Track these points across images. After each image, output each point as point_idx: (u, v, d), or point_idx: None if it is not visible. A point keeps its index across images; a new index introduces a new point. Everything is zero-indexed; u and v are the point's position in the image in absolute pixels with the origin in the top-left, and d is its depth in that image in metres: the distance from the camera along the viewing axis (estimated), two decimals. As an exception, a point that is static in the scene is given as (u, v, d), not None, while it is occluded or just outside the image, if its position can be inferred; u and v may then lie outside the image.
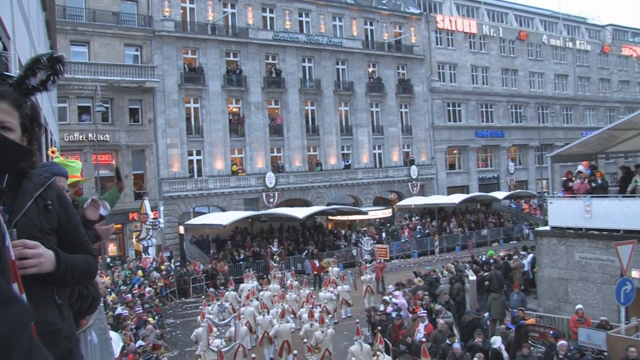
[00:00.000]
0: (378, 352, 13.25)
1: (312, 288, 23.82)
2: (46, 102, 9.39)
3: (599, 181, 19.14)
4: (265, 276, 25.86)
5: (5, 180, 1.98)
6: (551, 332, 14.85)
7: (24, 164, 2.06)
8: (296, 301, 20.78)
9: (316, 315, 16.84)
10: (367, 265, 25.73)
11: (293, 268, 30.40)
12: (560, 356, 12.74)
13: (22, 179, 2.10)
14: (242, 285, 22.88)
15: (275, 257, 28.58)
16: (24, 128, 2.08)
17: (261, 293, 21.42)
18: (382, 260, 28.97)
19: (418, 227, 39.73)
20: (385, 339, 14.97)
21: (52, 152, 7.24)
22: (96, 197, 3.73)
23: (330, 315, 20.16)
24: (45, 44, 10.27)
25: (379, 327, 15.93)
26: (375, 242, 34.55)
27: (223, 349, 13.89)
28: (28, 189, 2.10)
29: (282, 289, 22.29)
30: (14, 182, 2.05)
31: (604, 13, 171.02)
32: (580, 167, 20.32)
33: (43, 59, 2.15)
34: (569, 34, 62.55)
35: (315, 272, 29.40)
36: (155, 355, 14.85)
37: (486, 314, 17.74)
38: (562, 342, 13.36)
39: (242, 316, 17.79)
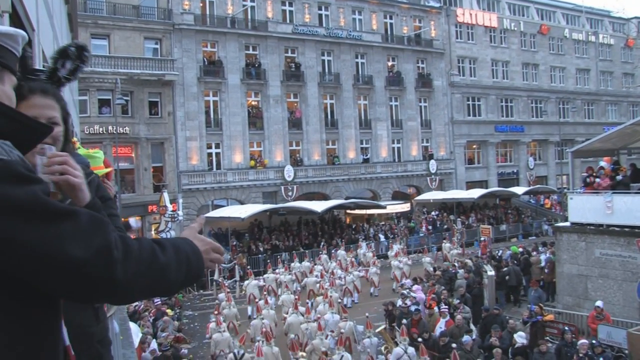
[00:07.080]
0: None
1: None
2: (68, 95, 9.47)
3: (621, 177, 18.87)
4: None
5: None
6: (566, 327, 14.66)
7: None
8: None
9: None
10: (456, 241, 32.96)
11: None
12: (581, 355, 12.58)
13: None
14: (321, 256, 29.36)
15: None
16: (63, 120, 2.09)
17: (328, 263, 27.49)
18: (486, 239, 32.71)
19: (429, 225, 39.52)
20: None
21: (74, 142, 7.26)
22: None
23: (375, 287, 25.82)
24: (67, 36, 10.34)
25: (404, 320, 15.91)
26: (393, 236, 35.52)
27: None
28: None
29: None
30: None
31: (629, 5, 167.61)
32: (602, 163, 20.05)
33: (71, 49, 2.16)
34: (591, 27, 61.57)
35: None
36: (171, 344, 14.92)
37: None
38: (583, 340, 13.19)
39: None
